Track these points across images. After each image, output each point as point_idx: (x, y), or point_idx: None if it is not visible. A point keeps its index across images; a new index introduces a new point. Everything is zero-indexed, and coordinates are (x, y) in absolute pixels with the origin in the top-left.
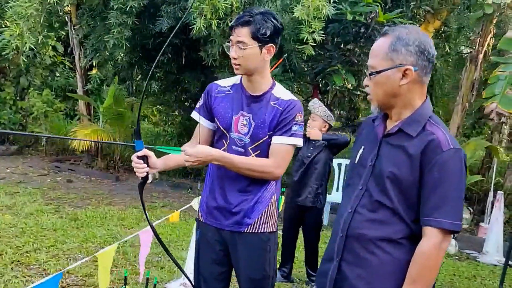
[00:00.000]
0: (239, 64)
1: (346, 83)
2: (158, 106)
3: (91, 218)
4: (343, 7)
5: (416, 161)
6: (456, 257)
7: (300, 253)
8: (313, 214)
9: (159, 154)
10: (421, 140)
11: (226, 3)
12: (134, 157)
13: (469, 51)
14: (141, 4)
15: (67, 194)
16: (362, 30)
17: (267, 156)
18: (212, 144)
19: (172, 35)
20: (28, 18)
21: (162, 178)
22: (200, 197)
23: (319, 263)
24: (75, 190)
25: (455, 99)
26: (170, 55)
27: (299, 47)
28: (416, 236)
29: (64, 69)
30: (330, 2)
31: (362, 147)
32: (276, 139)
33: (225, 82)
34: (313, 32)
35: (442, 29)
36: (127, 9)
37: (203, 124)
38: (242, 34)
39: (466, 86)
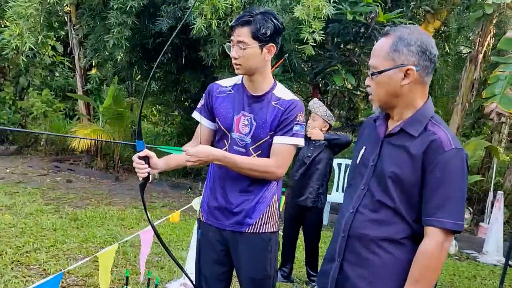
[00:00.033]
0: (239, 64)
1: (346, 83)
2: (158, 106)
3: (91, 218)
4: (343, 7)
5: (418, 161)
6: (456, 257)
7: (300, 253)
8: (314, 214)
9: (159, 154)
10: (423, 140)
11: (226, 3)
12: (135, 158)
13: (468, 51)
14: (141, 4)
15: (67, 194)
16: (362, 30)
17: (268, 156)
18: (213, 144)
19: (173, 36)
20: (28, 18)
21: (162, 178)
22: (200, 197)
23: (319, 263)
24: (75, 190)
25: (455, 99)
26: (170, 55)
27: (299, 47)
28: (418, 236)
29: (64, 69)
30: (330, 2)
31: (364, 147)
32: (278, 139)
33: (226, 82)
34: (313, 32)
35: (442, 29)
36: (127, 9)
37: (204, 124)
38: (243, 34)
39: (466, 86)
